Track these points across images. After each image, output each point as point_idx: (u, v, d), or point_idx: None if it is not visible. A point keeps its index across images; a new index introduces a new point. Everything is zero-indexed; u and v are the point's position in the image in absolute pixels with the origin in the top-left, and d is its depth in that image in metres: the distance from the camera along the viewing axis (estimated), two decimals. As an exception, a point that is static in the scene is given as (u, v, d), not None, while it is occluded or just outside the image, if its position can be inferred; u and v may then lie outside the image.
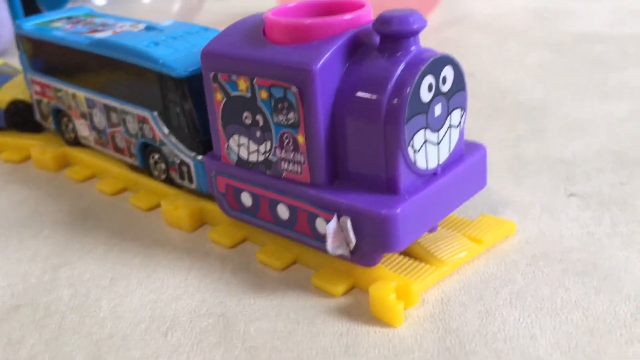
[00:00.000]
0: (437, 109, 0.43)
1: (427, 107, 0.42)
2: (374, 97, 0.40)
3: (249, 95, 0.44)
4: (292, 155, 0.44)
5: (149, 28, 0.60)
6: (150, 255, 0.51)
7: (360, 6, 0.45)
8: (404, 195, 0.42)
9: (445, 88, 0.43)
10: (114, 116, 0.60)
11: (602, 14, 1.11)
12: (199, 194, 0.55)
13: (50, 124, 0.70)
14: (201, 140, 0.52)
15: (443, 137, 0.44)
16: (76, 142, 0.67)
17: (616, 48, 0.92)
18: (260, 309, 0.44)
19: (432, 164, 0.44)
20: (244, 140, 0.46)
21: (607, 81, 0.80)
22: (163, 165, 0.57)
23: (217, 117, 0.47)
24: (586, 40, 0.96)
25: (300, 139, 0.43)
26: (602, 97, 0.75)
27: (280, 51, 0.43)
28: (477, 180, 0.48)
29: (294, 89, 0.41)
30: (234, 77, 0.45)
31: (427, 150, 0.43)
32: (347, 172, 0.43)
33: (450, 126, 0.44)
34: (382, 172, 0.41)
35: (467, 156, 0.47)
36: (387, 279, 0.43)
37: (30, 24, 0.68)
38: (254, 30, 0.46)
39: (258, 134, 0.45)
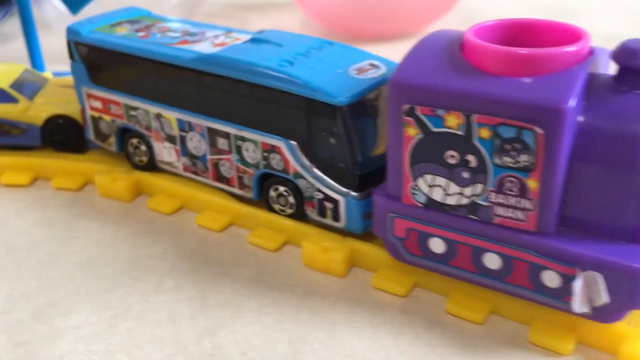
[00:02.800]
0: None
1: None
2: (628, 138, 0.37)
3: (460, 132, 0.39)
4: (514, 200, 0.39)
5: (258, 41, 0.52)
6: (314, 309, 0.44)
7: (578, 34, 0.40)
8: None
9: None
10: (221, 142, 0.52)
11: (615, 14, 1.11)
12: (336, 231, 0.49)
13: (110, 145, 0.61)
14: (359, 175, 0.46)
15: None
16: (147, 167, 0.59)
17: None
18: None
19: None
20: (441, 181, 0.41)
21: None
22: (292, 199, 0.51)
23: (402, 154, 0.42)
24: (604, 43, 0.96)
25: (532, 184, 0.38)
26: None
27: (511, 85, 0.37)
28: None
29: (538, 130, 0.36)
30: (440, 112, 0.39)
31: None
32: (575, 219, 0.39)
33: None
34: (628, 220, 0.38)
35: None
36: (633, 337, 0.39)
37: (89, 30, 0.58)
38: (451, 54, 0.41)
39: (465, 175, 0.40)
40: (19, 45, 1.05)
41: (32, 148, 0.65)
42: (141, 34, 0.57)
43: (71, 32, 0.58)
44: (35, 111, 0.64)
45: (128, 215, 0.56)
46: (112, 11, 0.63)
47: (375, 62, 0.49)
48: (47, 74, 0.72)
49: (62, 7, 0.98)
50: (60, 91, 0.67)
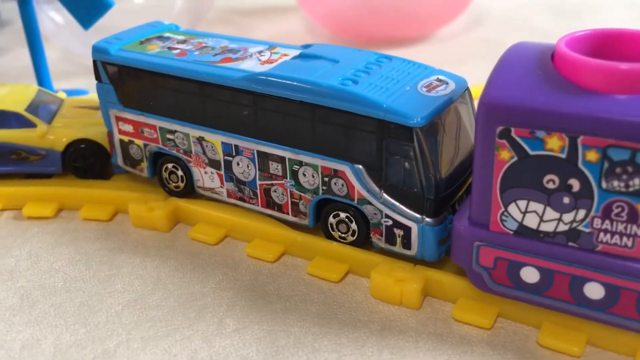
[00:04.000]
0: None
1: None
2: None
3: (563, 155, 0.36)
4: (622, 227, 0.36)
5: (309, 56, 0.49)
6: (396, 347, 0.41)
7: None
8: None
9: None
10: (274, 166, 0.49)
11: (631, 10, 1.10)
12: (405, 259, 0.46)
13: (142, 170, 0.56)
14: (434, 199, 0.43)
15: None
16: (183, 193, 0.55)
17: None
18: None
19: None
20: (536, 206, 0.38)
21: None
22: (354, 226, 0.47)
23: (492, 179, 0.39)
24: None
25: (645, 209, 0.35)
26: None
27: (623, 104, 0.35)
28: None
29: (657, 152, 0.34)
30: (540, 134, 0.36)
31: None
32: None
33: None
34: None
35: None
36: None
37: (117, 48, 0.54)
38: (544, 69, 0.38)
39: (566, 200, 0.37)
40: (10, 60, 0.99)
41: (51, 175, 0.61)
42: (176, 51, 0.53)
43: (98, 51, 0.54)
44: (55, 136, 0.59)
45: (169, 247, 0.52)
46: (137, 27, 0.58)
47: (442, 78, 0.46)
48: (61, 93, 0.67)
49: (60, 19, 0.93)
50: (79, 113, 0.62)
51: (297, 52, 0.51)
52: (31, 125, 0.59)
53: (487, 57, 0.97)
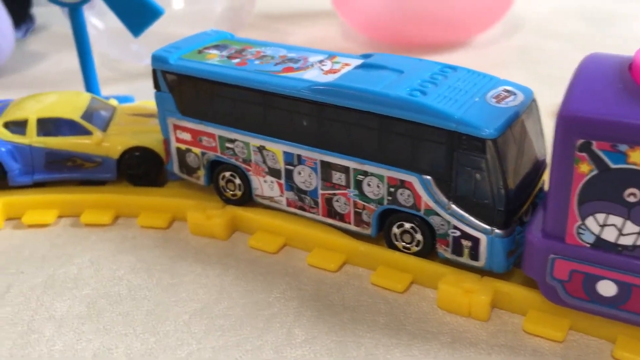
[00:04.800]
0: None
1: None
2: None
3: (646, 169, 0.36)
4: None
5: (372, 66, 0.49)
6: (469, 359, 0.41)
7: None
8: None
9: None
10: (337, 176, 0.49)
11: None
12: (472, 270, 0.45)
13: (198, 178, 0.57)
14: (504, 211, 0.43)
15: None
16: (240, 201, 0.55)
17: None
18: None
19: None
20: (615, 220, 0.38)
21: None
22: (419, 237, 0.47)
23: (569, 192, 0.38)
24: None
25: None
26: None
27: None
28: None
29: None
30: (622, 147, 0.36)
31: None
32: None
33: None
34: None
35: None
36: None
37: (177, 57, 0.54)
38: (623, 81, 0.38)
39: (647, 214, 0.37)
40: (49, 65, 1.00)
41: (104, 182, 0.61)
42: (236, 60, 0.53)
43: (158, 60, 0.54)
44: (111, 143, 0.59)
45: (229, 255, 0.52)
46: (193, 35, 0.59)
47: (510, 88, 0.46)
48: (113, 101, 0.68)
49: (100, 25, 0.94)
50: (132, 120, 0.63)
51: (358, 62, 0.51)
52: (87, 132, 0.60)
53: (525, 64, 0.97)
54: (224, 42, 0.58)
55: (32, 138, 0.59)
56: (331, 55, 0.53)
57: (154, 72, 0.55)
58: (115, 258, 0.53)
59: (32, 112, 0.60)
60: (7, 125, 0.60)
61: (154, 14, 0.67)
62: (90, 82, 0.72)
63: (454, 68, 0.48)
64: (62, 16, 1.25)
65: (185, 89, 0.54)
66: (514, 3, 0.99)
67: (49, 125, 0.60)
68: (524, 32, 1.03)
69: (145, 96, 0.84)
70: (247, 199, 0.55)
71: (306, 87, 0.47)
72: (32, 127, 0.59)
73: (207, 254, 0.53)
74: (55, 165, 0.60)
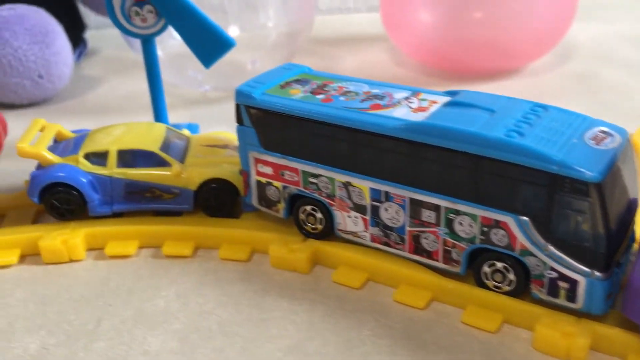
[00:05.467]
0: None
1: None
2: None
3: None
4: None
5: (462, 105, 0.49)
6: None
7: None
8: None
9: None
10: (427, 214, 0.49)
11: None
12: (567, 311, 0.45)
13: (278, 211, 0.57)
14: (605, 254, 0.43)
15: None
16: (320, 235, 0.55)
17: None
18: None
19: None
20: None
21: None
22: (512, 276, 0.47)
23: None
24: None
25: None
26: None
27: None
28: None
29: None
30: None
31: None
32: None
33: None
34: None
35: None
36: None
37: (261, 92, 0.55)
38: None
39: None
40: (106, 91, 1.02)
41: (181, 213, 0.62)
42: (320, 96, 0.53)
43: (242, 95, 0.55)
44: (189, 175, 0.60)
45: (313, 290, 0.52)
46: (273, 70, 0.59)
47: (606, 129, 0.46)
48: (185, 131, 0.69)
49: (160, 52, 0.95)
50: (209, 152, 0.64)
51: (444, 99, 0.51)
52: (166, 164, 0.61)
53: (584, 92, 0.97)
54: (304, 76, 0.58)
55: (112, 169, 0.60)
56: (415, 92, 0.53)
57: (238, 107, 0.56)
58: (201, 291, 0.53)
59: (112, 143, 0.61)
60: (87, 156, 0.61)
61: (226, 45, 0.68)
62: (159, 111, 0.73)
63: (544, 107, 0.49)
64: (113, 40, 1.27)
65: (269, 124, 0.54)
66: (569, 30, 1.00)
67: (128, 157, 0.61)
68: (578, 59, 1.03)
69: (205, 123, 0.85)
70: (327, 233, 0.56)
71: (398, 125, 0.48)
72: (112, 158, 0.60)
73: (291, 289, 0.53)
74: (134, 196, 0.61)
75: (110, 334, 0.49)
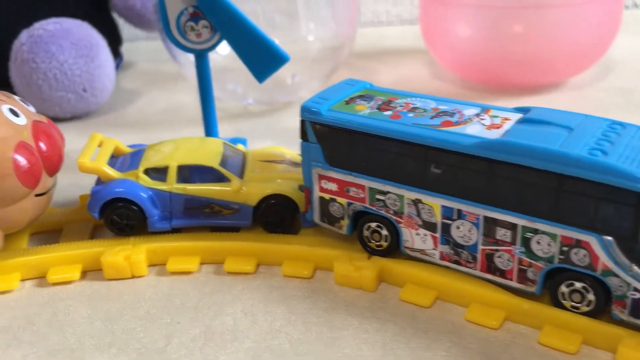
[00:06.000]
0: None
1: None
2: None
3: None
4: None
5: (537, 122, 0.48)
6: None
7: None
8: None
9: None
10: (502, 232, 0.48)
11: None
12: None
13: (341, 227, 0.57)
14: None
15: None
16: (385, 252, 0.55)
17: None
18: None
19: None
20: None
21: None
22: (591, 297, 0.47)
23: None
24: None
25: None
26: None
27: None
28: None
29: None
30: None
31: None
32: None
33: None
34: None
35: None
36: None
37: (327, 109, 0.54)
38: None
39: None
40: (145, 104, 1.02)
41: (238, 229, 0.62)
42: (388, 113, 0.53)
43: (308, 111, 0.54)
44: (249, 190, 0.60)
45: (382, 308, 0.52)
46: (334, 85, 0.59)
47: (687, 148, 0.45)
48: (240, 146, 0.68)
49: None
50: (266, 167, 0.63)
51: (516, 116, 0.51)
52: (225, 180, 0.60)
53: (625, 106, 0.96)
54: (367, 92, 0.58)
55: (172, 185, 0.60)
56: (485, 108, 0.53)
57: (303, 123, 0.55)
58: (268, 309, 0.52)
59: (172, 159, 0.61)
60: (147, 171, 0.61)
61: (280, 60, 0.67)
62: (210, 126, 0.73)
63: (622, 125, 0.48)
64: (146, 53, 1.28)
65: (336, 140, 0.54)
66: (611, 44, 0.99)
67: (187, 172, 0.61)
68: (620, 73, 1.02)
69: (248, 137, 0.84)
70: (392, 250, 0.55)
71: (474, 143, 0.48)
72: (172, 174, 0.60)
73: (359, 307, 0.52)
74: (193, 211, 0.61)
75: (181, 352, 0.48)
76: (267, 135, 0.87)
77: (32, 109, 0.60)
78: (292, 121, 0.91)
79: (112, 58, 0.97)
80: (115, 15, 1.13)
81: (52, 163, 0.58)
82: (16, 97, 0.60)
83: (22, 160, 0.54)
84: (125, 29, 1.21)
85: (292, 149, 0.69)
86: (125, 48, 1.22)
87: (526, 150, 0.46)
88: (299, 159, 0.67)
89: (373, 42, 1.25)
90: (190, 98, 1.02)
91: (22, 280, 0.57)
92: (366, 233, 0.56)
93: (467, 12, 0.95)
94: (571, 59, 0.97)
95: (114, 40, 1.13)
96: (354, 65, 1.11)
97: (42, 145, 0.57)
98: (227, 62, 0.90)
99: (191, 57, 0.95)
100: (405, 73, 1.07)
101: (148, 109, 0.99)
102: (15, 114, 0.56)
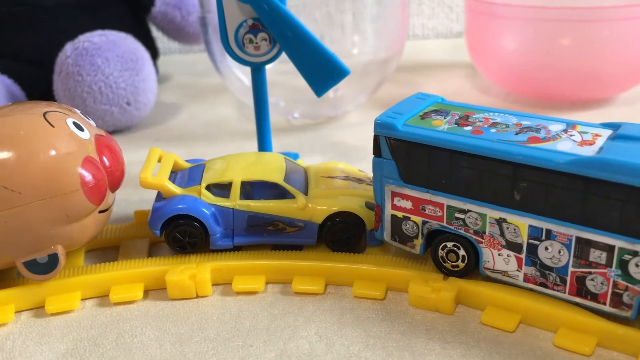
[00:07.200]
0: None
1: None
2: None
3: None
4: None
5: (633, 139, 0.46)
6: None
7: None
8: None
9: None
10: (596, 254, 0.46)
11: None
12: None
13: (414, 247, 0.55)
14: None
15: None
16: (461, 273, 0.53)
17: None
18: None
19: None
20: None
21: None
22: (694, 323, 0.44)
23: None
24: None
25: None
26: None
27: None
28: None
29: None
30: None
31: None
32: None
33: None
34: None
35: None
36: None
37: (402, 124, 0.53)
38: None
39: None
40: (187, 118, 1.00)
41: (301, 248, 0.60)
42: (469, 128, 0.51)
43: (383, 126, 0.52)
44: (315, 207, 0.58)
45: (463, 332, 0.49)
46: (405, 100, 0.57)
47: None
48: (300, 162, 0.66)
49: (246, 79, 0.94)
50: (330, 183, 0.61)
51: (607, 132, 0.49)
52: (289, 196, 0.59)
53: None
54: (440, 106, 0.56)
55: (235, 201, 0.58)
56: (571, 124, 0.51)
57: (377, 138, 0.53)
58: (343, 332, 0.50)
59: (236, 175, 0.59)
60: (209, 187, 0.59)
61: (341, 74, 0.65)
62: (265, 140, 0.71)
63: None
64: (181, 67, 1.27)
65: (412, 156, 0.52)
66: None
67: (249, 188, 0.59)
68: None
69: (295, 151, 0.83)
70: (469, 271, 0.53)
71: (570, 160, 0.45)
72: (235, 190, 0.58)
73: (439, 331, 0.50)
74: (256, 228, 0.59)
75: (259, 378, 0.46)
76: (315, 150, 0.85)
77: (92, 122, 0.59)
78: (338, 135, 0.90)
79: (155, 71, 0.96)
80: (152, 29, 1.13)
81: (115, 178, 0.56)
82: (77, 111, 0.58)
83: (88, 175, 0.52)
84: (159, 42, 1.20)
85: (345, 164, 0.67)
86: (165, 61, 1.22)
87: (627, 168, 0.43)
88: (360, 174, 0.66)
89: (412, 55, 1.24)
90: (233, 110, 1.01)
91: (83, 299, 0.56)
92: (441, 253, 0.54)
93: (516, 25, 0.93)
94: (622, 74, 0.95)
95: (153, 54, 1.12)
96: (397, 79, 1.09)
97: (106, 159, 0.55)
98: (269, 76, 0.89)
99: (235, 70, 0.95)
100: (450, 87, 1.05)
101: (190, 122, 0.97)
102: (80, 128, 0.54)
